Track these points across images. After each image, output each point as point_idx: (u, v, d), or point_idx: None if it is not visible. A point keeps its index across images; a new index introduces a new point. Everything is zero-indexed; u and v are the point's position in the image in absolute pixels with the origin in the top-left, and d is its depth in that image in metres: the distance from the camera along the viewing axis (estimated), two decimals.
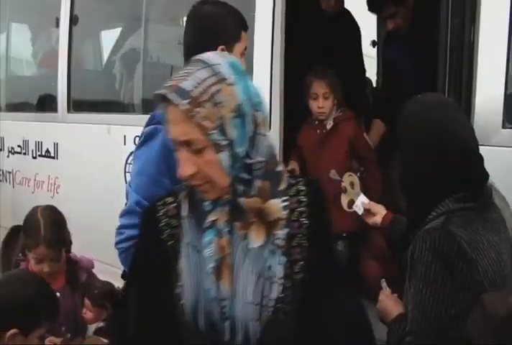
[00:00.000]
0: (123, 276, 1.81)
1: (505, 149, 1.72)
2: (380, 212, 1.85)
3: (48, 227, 2.06)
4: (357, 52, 3.05)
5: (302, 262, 1.12)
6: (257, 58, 2.28)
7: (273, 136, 2.23)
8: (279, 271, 1.08)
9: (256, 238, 1.07)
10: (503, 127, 1.74)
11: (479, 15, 1.78)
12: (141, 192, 1.60)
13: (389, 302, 1.44)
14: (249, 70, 2.26)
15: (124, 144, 2.78)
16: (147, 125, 1.70)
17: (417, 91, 1.45)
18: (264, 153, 1.08)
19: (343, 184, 2.40)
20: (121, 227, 1.61)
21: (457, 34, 1.88)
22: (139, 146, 1.67)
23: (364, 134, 2.59)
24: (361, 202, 1.97)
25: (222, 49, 1.69)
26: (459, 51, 1.87)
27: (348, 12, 3.05)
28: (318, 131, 2.55)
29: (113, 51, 3.35)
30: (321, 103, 2.49)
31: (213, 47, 1.68)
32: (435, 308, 1.20)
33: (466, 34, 1.85)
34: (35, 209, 2.17)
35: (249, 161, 1.06)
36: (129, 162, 2.75)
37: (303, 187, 1.17)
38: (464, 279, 1.20)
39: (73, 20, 3.30)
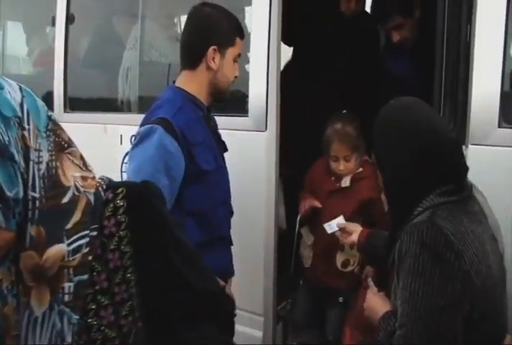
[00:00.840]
0: None
1: (501, 149, 1.72)
2: (355, 230, 1.89)
3: None
4: (372, 54, 2.82)
5: (130, 302, 0.90)
6: (253, 59, 2.27)
7: (270, 137, 2.24)
8: (70, 333, 0.85)
9: (39, 305, 0.85)
10: (499, 127, 1.74)
11: (475, 15, 1.79)
12: None
13: (376, 301, 1.46)
14: (245, 71, 2.27)
15: (121, 144, 2.77)
16: (143, 124, 1.70)
17: (421, 97, 1.45)
18: (39, 187, 0.83)
19: (341, 241, 2.19)
20: None
21: (454, 34, 1.88)
22: (135, 146, 1.68)
23: (382, 196, 2.32)
24: (337, 222, 1.96)
25: (214, 50, 1.71)
26: (455, 51, 1.87)
27: (368, 15, 2.91)
28: (332, 178, 2.29)
29: (110, 50, 3.34)
30: (342, 165, 2.22)
31: (205, 46, 1.71)
32: (424, 300, 1.22)
33: (462, 34, 1.86)
34: None
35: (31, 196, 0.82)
36: (125, 161, 2.74)
37: (121, 202, 0.91)
38: (452, 270, 1.22)
39: (70, 19, 3.29)
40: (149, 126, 1.65)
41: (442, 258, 1.22)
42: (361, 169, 2.26)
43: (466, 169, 1.38)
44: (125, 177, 2.72)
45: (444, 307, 1.21)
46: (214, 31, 1.73)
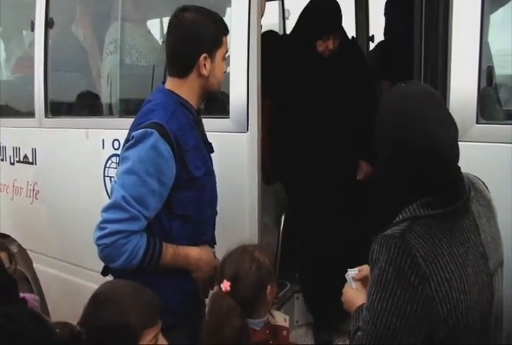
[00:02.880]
0: (102, 272, 1.80)
1: (478, 145, 1.74)
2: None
3: None
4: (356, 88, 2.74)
5: None
6: (234, 61, 2.27)
7: (251, 138, 2.23)
8: None
9: None
10: (477, 122, 1.76)
11: (452, 10, 1.80)
12: (128, 190, 1.61)
13: (353, 292, 1.45)
14: (226, 73, 2.26)
15: (103, 148, 2.75)
16: (135, 128, 1.69)
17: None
18: None
19: None
20: (103, 222, 1.60)
21: (431, 31, 1.89)
22: (129, 148, 1.67)
23: None
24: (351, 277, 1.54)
25: (205, 57, 1.70)
26: (433, 47, 1.89)
27: (350, 51, 2.80)
28: None
29: (91, 54, 3.32)
30: None
31: (196, 55, 1.70)
32: (381, 316, 1.17)
33: (440, 31, 1.87)
34: None
35: None
36: (108, 166, 2.73)
37: None
38: (414, 293, 1.15)
39: (49, 23, 3.27)
40: (144, 130, 1.64)
41: (405, 280, 1.15)
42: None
43: (461, 180, 1.28)
44: (108, 181, 2.72)
45: (400, 327, 1.16)
46: (203, 38, 1.71)
